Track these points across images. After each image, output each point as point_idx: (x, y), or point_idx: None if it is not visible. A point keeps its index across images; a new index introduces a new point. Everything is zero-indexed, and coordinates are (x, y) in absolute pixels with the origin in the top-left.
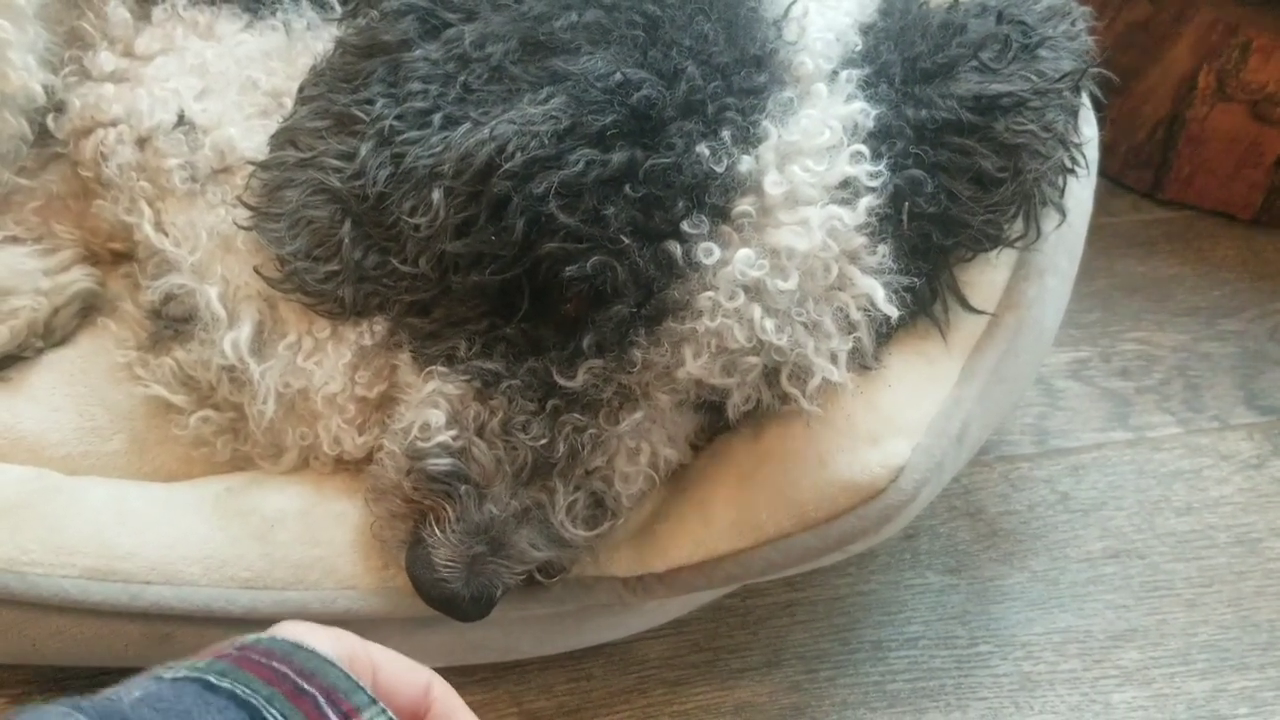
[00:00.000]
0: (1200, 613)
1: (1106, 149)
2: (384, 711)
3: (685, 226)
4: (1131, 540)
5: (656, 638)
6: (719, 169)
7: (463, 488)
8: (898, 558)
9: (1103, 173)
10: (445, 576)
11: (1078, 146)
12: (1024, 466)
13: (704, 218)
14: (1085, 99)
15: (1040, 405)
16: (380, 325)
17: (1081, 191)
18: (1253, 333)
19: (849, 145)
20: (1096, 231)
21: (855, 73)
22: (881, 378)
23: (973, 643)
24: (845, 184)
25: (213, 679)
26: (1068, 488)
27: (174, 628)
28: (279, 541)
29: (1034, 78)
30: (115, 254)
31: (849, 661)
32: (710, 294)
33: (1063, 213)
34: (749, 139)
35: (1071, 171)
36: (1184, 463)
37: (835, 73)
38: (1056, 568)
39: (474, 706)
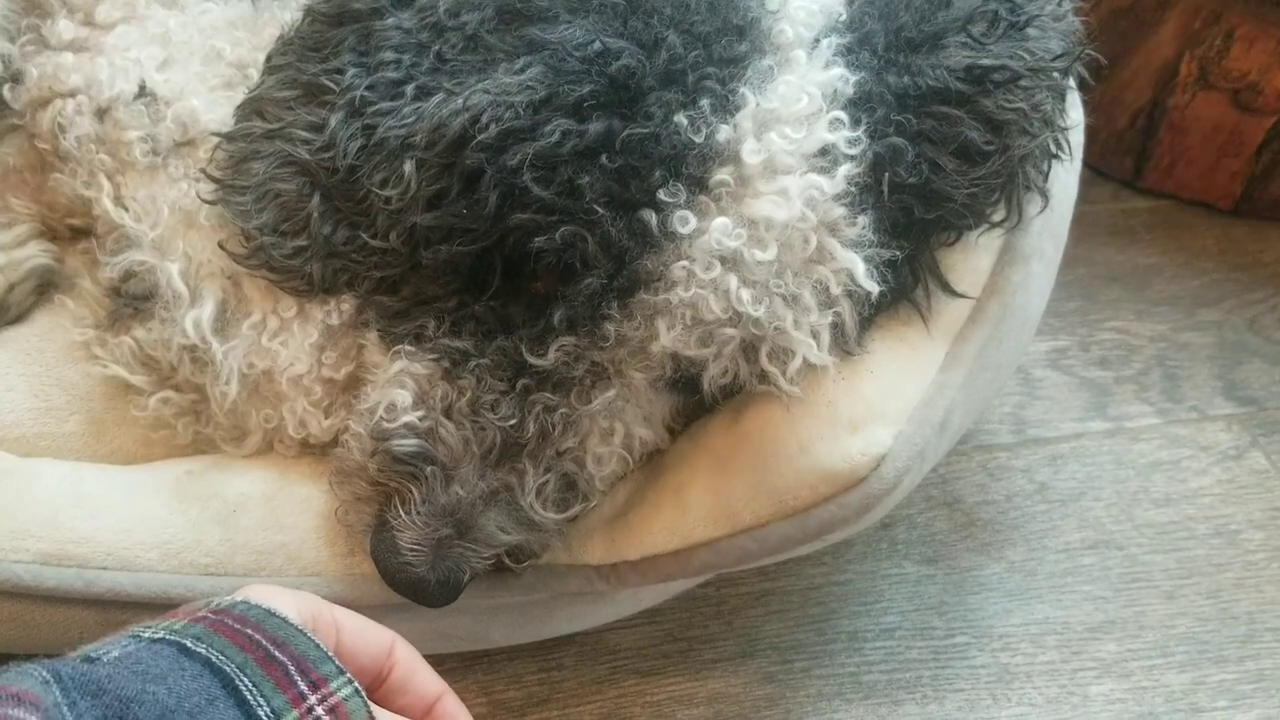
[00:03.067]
0: (1179, 604)
1: (1087, 136)
2: (351, 682)
3: (662, 195)
4: (1110, 531)
5: (629, 627)
6: (697, 138)
7: (429, 469)
8: (874, 547)
9: (1083, 160)
10: (410, 560)
11: (1064, 131)
12: (1002, 456)
13: (681, 187)
14: (1072, 83)
15: (1018, 394)
16: (348, 304)
17: (1067, 177)
18: (1232, 323)
19: (827, 112)
20: (1076, 220)
21: (836, 40)
22: (863, 363)
23: (950, 634)
24: (824, 152)
25: (189, 643)
26: (1046, 478)
27: (130, 615)
28: (241, 526)
29: (1026, 55)
30: (73, 229)
31: (824, 652)
32: (685, 264)
33: (1046, 197)
34: (727, 107)
35: (1056, 156)
36: (1163, 453)
37: (816, 40)
38: (1034, 558)
39: None
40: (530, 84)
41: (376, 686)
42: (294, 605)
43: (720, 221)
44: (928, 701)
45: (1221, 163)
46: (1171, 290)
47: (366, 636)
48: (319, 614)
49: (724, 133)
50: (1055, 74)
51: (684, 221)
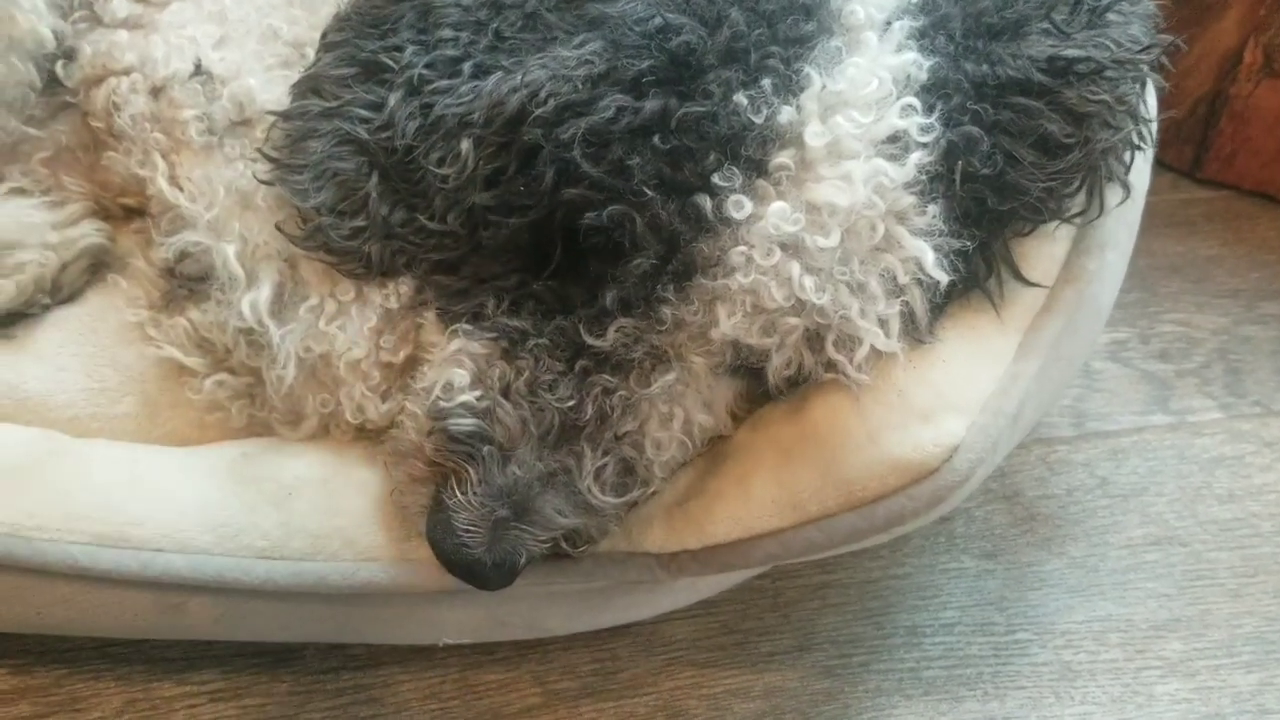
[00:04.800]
0: (1245, 603)
1: None
2: None
3: (716, 179)
4: (1173, 527)
5: (684, 619)
6: (757, 119)
7: (485, 449)
8: (932, 541)
9: None
10: (466, 541)
11: (1147, 122)
12: (1062, 449)
13: (737, 170)
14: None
15: (1078, 387)
16: (406, 286)
17: (1143, 165)
18: None
19: (899, 97)
20: None
21: (909, 23)
22: (935, 352)
23: (1010, 630)
24: (894, 138)
25: None
26: (1107, 472)
27: (186, 598)
28: (296, 510)
29: (1111, 45)
30: (126, 209)
31: (883, 647)
32: (743, 249)
33: (1128, 189)
34: (790, 88)
35: (1139, 148)
36: (1226, 449)
37: (888, 23)
38: (1096, 554)
39: (495, 685)
40: (589, 58)
41: None
42: None
43: (778, 206)
44: (989, 699)
45: None
46: (1233, 283)
47: None
48: None
49: (786, 114)
50: (1142, 65)
51: (739, 206)
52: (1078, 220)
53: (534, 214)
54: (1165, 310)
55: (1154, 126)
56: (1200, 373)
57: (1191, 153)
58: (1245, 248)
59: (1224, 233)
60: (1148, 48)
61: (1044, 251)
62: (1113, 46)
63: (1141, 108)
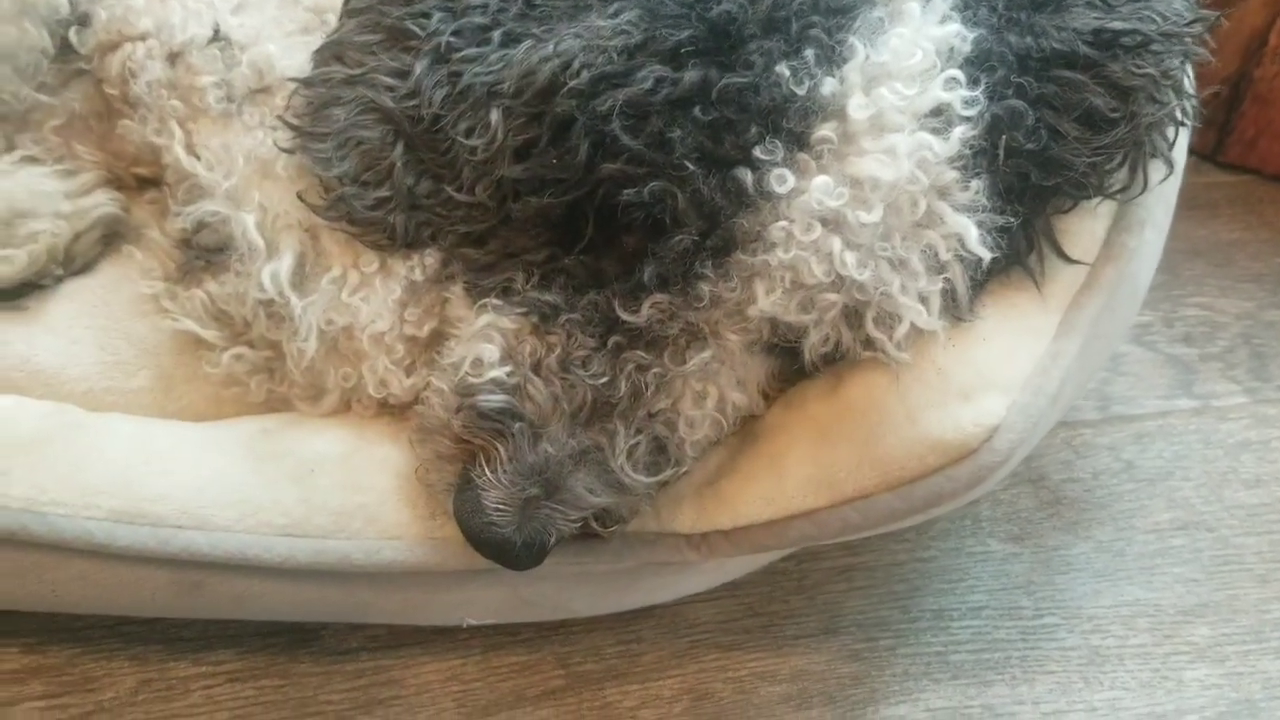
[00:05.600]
0: (1273, 588)
1: None
2: None
3: (758, 153)
4: (1200, 512)
5: (708, 601)
6: (799, 91)
7: (516, 426)
8: (958, 524)
9: None
10: (496, 520)
11: (1190, 98)
12: (1087, 433)
13: (779, 143)
14: None
15: (1103, 370)
16: (432, 258)
17: (1184, 141)
18: None
19: (943, 70)
20: None
21: None
22: (975, 330)
23: (1038, 614)
24: (937, 111)
25: None
26: (1132, 456)
27: (205, 575)
28: (318, 486)
29: (1157, 19)
30: (140, 179)
31: (910, 630)
32: (784, 224)
33: (1170, 165)
34: (834, 59)
35: (1183, 124)
36: (1251, 433)
37: None
38: (1123, 538)
39: (518, 667)
40: (625, 28)
41: None
42: None
43: (821, 180)
44: (1017, 683)
45: None
46: (1256, 267)
47: None
48: None
49: (829, 86)
50: (1188, 39)
51: (781, 180)
52: (1120, 196)
53: (573, 192)
54: (1189, 294)
55: (1195, 102)
56: (1224, 357)
57: (1214, 136)
58: (1268, 232)
59: (1246, 216)
60: (1193, 21)
61: (1085, 228)
62: (1159, 19)
63: (1188, 82)
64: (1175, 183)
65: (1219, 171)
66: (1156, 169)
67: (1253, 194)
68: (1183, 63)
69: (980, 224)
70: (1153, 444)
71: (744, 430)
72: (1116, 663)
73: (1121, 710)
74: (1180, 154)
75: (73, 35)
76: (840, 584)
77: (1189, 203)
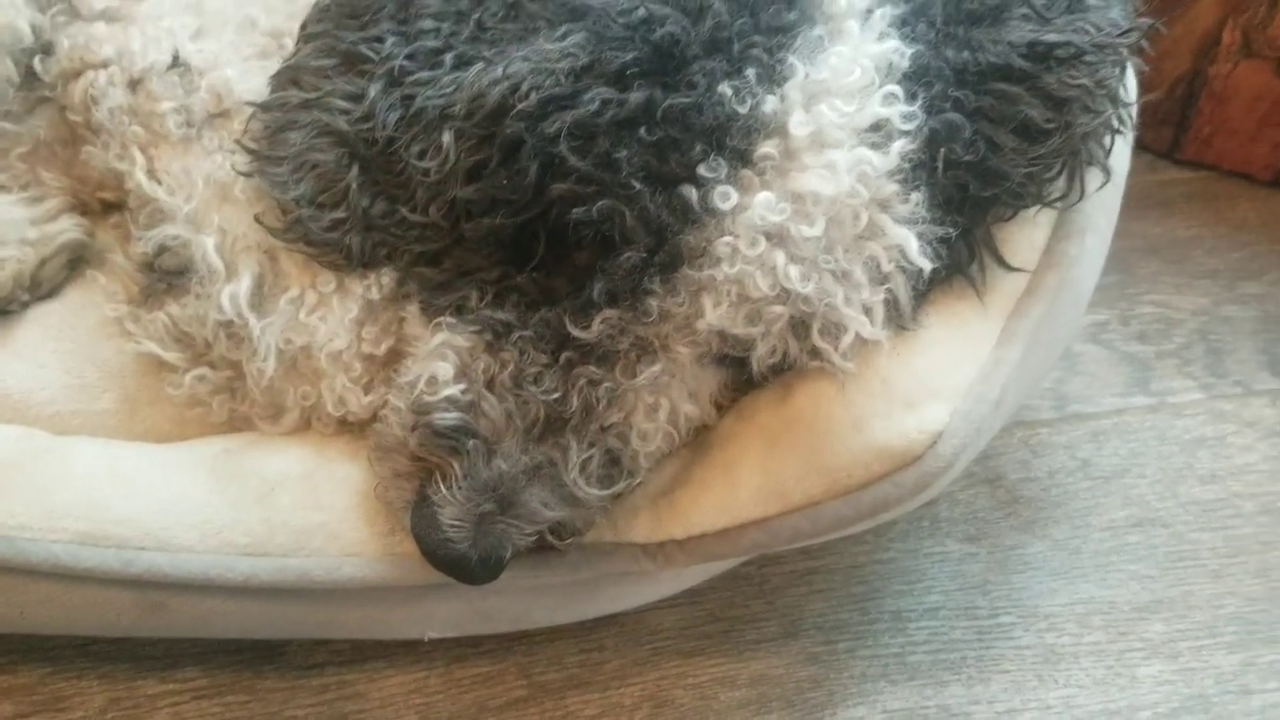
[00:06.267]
0: (1227, 584)
1: None
2: None
3: (702, 170)
4: (1155, 509)
5: (670, 608)
6: (742, 109)
7: (470, 443)
8: (916, 525)
9: None
10: (452, 537)
11: (1126, 106)
12: (1043, 432)
13: (722, 161)
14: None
15: (1059, 369)
16: (388, 278)
17: (1123, 149)
18: (1274, 296)
19: (881, 86)
20: None
21: (890, 10)
22: (918, 339)
23: (994, 613)
24: (876, 126)
25: None
26: (1088, 454)
27: (168, 596)
28: (280, 506)
29: (1090, 30)
30: (105, 203)
31: (868, 632)
32: (729, 240)
33: (1108, 173)
34: (774, 77)
35: (1119, 132)
36: (1207, 429)
37: (869, 10)
38: (1078, 536)
39: (480, 679)
40: (572, 51)
41: None
42: None
43: (764, 196)
44: (973, 683)
45: (1263, 133)
46: (1212, 263)
47: None
48: None
49: (770, 104)
50: (1122, 49)
51: (725, 197)
52: (1059, 204)
53: (524, 213)
54: (1145, 292)
55: (1134, 110)
56: (1181, 354)
57: (1170, 134)
58: (1225, 228)
59: (1203, 213)
60: (1127, 31)
61: (1025, 237)
62: (1092, 30)
63: (1121, 91)
64: (1117, 189)
65: (1176, 169)
66: (1094, 177)
67: (1210, 190)
68: (1118, 72)
69: (920, 235)
70: (1109, 442)
71: (698, 440)
72: (1071, 660)
73: (1076, 708)
74: (1121, 161)
75: (37, 64)
76: (800, 588)
77: (1146, 201)
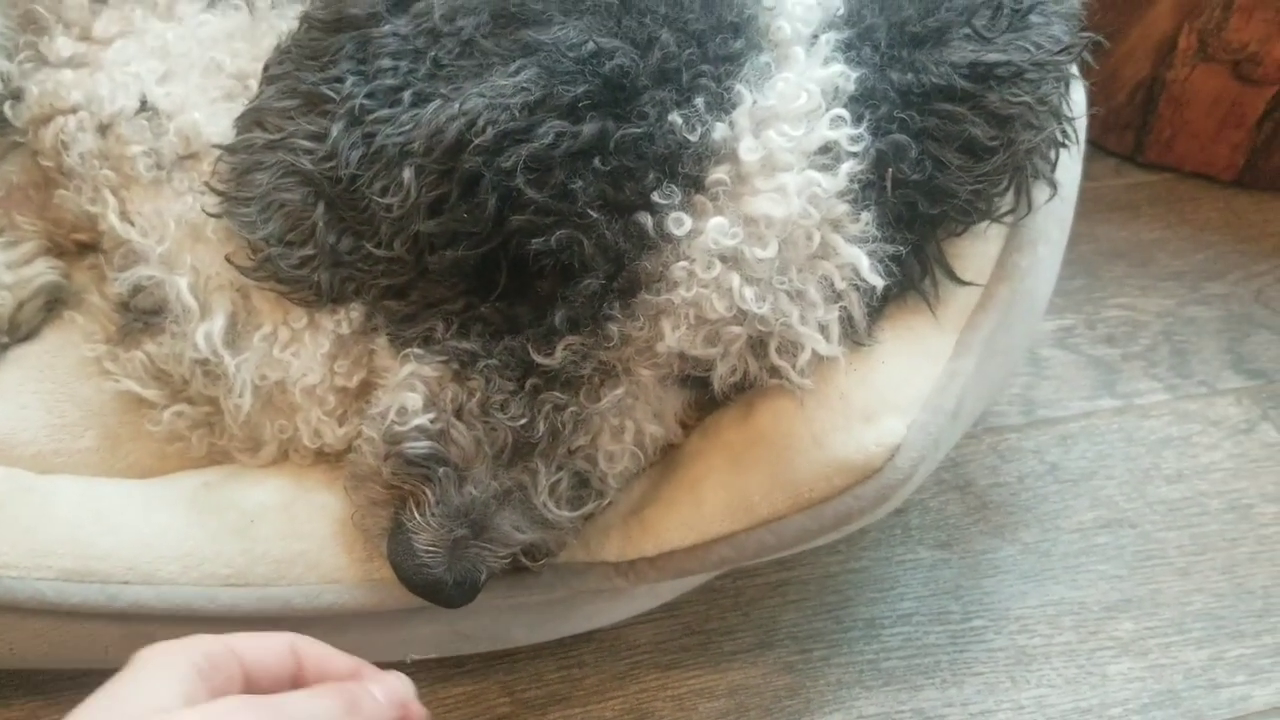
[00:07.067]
0: (1194, 581)
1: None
2: None
3: (656, 197)
4: (1122, 509)
5: (647, 622)
6: (692, 137)
7: (441, 470)
8: (888, 533)
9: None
10: (427, 561)
11: (1070, 120)
12: (1012, 437)
13: (675, 188)
14: (1074, 69)
15: (1026, 375)
16: (357, 312)
17: (1071, 161)
18: (1238, 295)
19: (828, 109)
20: (1077, 196)
21: (835, 36)
22: (874, 354)
23: (966, 617)
24: (825, 149)
25: None
26: (1056, 458)
27: (154, 627)
28: (259, 537)
29: (1031, 48)
30: (80, 245)
31: (843, 640)
32: (685, 264)
33: (1054, 186)
34: (723, 105)
35: (1063, 145)
36: (1173, 429)
37: (814, 36)
38: (1048, 539)
39: (464, 698)
40: (525, 85)
41: (296, 685)
42: (185, 658)
43: (717, 221)
44: (947, 686)
45: (1223, 134)
46: (1176, 265)
47: (265, 649)
48: (213, 653)
49: (720, 131)
50: (1063, 65)
51: (679, 223)
52: (1008, 219)
53: (485, 245)
54: (1110, 295)
55: (1080, 123)
56: (1146, 355)
57: (1132, 137)
58: (1188, 229)
59: (1167, 215)
60: (1067, 48)
61: (977, 251)
62: (1032, 49)
63: (1065, 106)
64: (1068, 200)
65: (1140, 172)
66: (1042, 190)
67: (1173, 192)
68: (1061, 87)
69: (872, 253)
70: (1076, 445)
71: (665, 459)
72: (1043, 661)
73: (1048, 707)
74: (1071, 174)
75: (7, 110)
76: (775, 598)
77: (1111, 205)
